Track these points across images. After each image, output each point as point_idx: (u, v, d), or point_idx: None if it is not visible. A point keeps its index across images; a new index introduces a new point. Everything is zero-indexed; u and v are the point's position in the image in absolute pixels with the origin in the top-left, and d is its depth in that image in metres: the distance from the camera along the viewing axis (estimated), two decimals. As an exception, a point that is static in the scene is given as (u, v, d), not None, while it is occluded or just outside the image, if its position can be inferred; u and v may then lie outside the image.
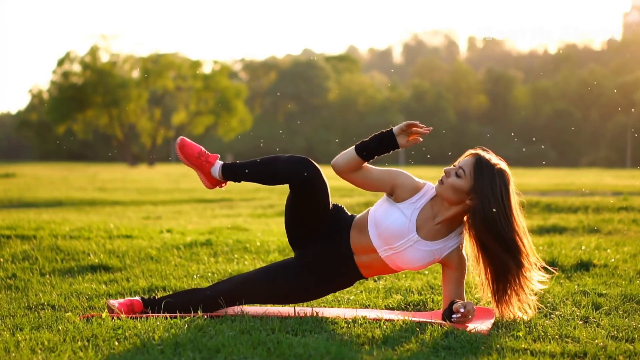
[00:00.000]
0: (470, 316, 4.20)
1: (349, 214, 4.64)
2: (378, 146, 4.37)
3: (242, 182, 4.59)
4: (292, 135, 78.18)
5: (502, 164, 4.31)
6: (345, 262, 4.51)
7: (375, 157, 4.39)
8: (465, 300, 4.40)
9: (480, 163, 4.27)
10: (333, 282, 4.59)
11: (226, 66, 72.09)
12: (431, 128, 4.33)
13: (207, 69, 70.47)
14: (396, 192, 4.42)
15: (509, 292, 4.35)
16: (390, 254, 4.42)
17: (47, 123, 72.16)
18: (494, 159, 4.32)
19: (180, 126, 70.88)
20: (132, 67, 69.83)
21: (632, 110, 70.51)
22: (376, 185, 4.45)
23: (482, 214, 4.22)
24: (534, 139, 69.37)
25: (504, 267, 4.28)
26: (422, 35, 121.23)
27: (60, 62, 67.63)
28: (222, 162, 4.60)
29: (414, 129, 4.34)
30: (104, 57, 68.15)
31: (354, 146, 4.40)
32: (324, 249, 4.52)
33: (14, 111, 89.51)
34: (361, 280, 5.76)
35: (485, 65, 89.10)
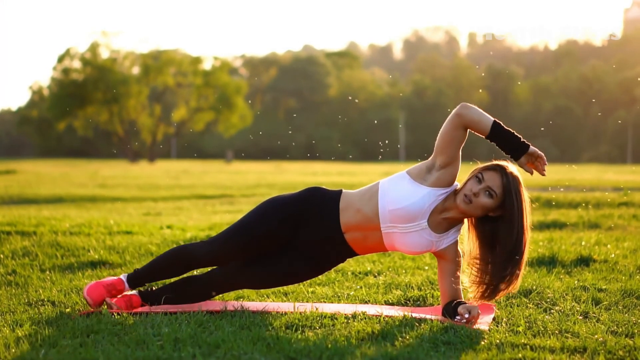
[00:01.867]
0: (474, 320, 4.19)
1: (329, 190, 4.61)
2: (507, 140, 4.32)
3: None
4: (293, 132, 78.16)
5: (517, 173, 4.36)
6: (335, 241, 4.49)
7: (492, 142, 4.33)
8: (463, 298, 4.42)
9: (509, 182, 4.29)
10: (324, 262, 4.60)
11: (226, 62, 72.03)
12: (545, 173, 4.38)
13: (207, 65, 70.47)
14: (442, 171, 4.35)
15: (501, 287, 4.35)
16: (393, 232, 4.39)
17: (47, 119, 72.19)
18: (514, 170, 4.36)
19: (181, 122, 70.90)
20: (133, 64, 69.78)
21: (633, 106, 70.50)
22: (452, 151, 4.33)
23: (510, 226, 4.27)
24: (542, 129, 69.30)
25: (504, 266, 4.29)
26: (422, 31, 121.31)
27: (61, 59, 67.59)
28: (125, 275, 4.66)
29: (538, 163, 4.35)
30: (104, 54, 68.13)
31: (492, 119, 4.31)
32: (312, 235, 4.51)
33: (14, 108, 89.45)
34: (361, 276, 5.76)
35: (485, 61, 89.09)
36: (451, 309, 4.32)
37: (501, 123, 4.31)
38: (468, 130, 4.32)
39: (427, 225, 4.38)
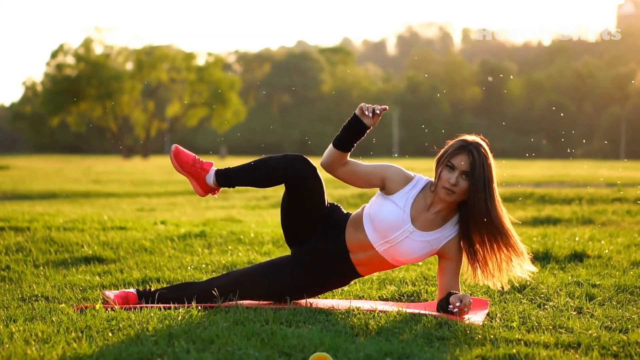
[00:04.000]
0: (466, 309, 4.20)
1: (345, 212, 4.62)
2: (348, 133, 4.36)
3: (237, 187, 4.58)
4: (287, 128, 78.12)
5: (478, 140, 4.35)
6: (341, 260, 4.50)
7: (353, 144, 4.38)
8: (461, 292, 4.42)
9: (478, 157, 4.27)
10: (329, 281, 4.58)
11: (220, 58, 71.96)
12: (386, 107, 4.33)
13: (201, 61, 70.38)
14: (387, 185, 4.42)
15: (492, 264, 4.40)
16: (387, 248, 4.41)
17: (41, 115, 72.04)
18: (475, 139, 4.35)
19: (174, 118, 70.84)
20: (126, 60, 69.69)
21: (627, 101, 70.56)
22: (366, 179, 4.45)
23: (480, 194, 4.27)
24: (533, 130, 69.42)
25: (488, 237, 4.34)
26: (416, 27, 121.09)
27: (54, 55, 67.46)
28: (215, 169, 4.58)
29: (369, 107, 4.34)
30: (97, 50, 68.03)
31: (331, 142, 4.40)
32: (320, 247, 4.51)
33: (7, 103, 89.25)
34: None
35: (479, 57, 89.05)
36: (444, 300, 4.33)
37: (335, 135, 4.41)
38: (345, 158, 4.44)
39: (414, 227, 4.38)
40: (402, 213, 4.37)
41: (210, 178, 4.55)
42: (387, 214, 4.37)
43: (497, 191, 4.33)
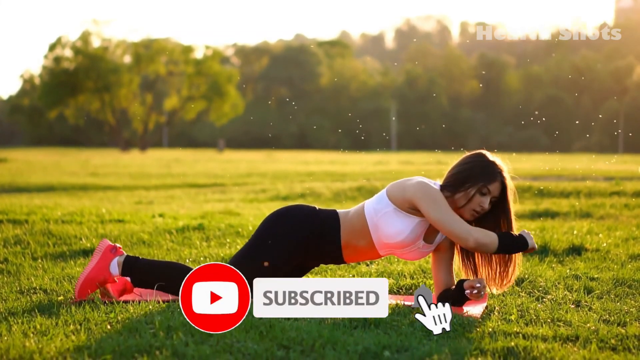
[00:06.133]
0: (483, 291, 4.24)
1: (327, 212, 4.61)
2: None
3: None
4: (285, 121, 78.11)
5: (504, 166, 4.44)
6: (332, 256, 4.54)
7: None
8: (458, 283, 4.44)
9: (506, 185, 4.39)
10: (311, 265, 4.63)
11: (218, 51, 71.89)
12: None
13: (199, 54, 70.30)
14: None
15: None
16: (390, 253, 4.49)
17: (38, 108, 71.97)
18: (504, 167, 4.43)
19: (172, 111, 70.79)
20: (124, 53, 69.62)
21: (625, 95, 70.55)
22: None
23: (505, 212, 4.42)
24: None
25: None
26: (414, 20, 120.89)
27: (52, 47, 67.37)
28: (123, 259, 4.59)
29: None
30: (95, 42, 67.95)
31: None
32: (313, 253, 4.54)
33: (5, 96, 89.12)
34: (353, 265, 5.77)
35: (477, 50, 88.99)
36: (453, 291, 4.34)
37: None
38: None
39: (424, 242, 4.44)
40: (419, 233, 4.42)
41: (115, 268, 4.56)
42: (408, 235, 4.39)
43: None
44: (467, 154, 4.48)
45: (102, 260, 4.51)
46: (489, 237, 4.23)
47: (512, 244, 4.27)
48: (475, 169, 4.36)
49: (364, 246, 4.47)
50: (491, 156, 4.43)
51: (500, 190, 4.36)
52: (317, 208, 4.59)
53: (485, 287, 4.28)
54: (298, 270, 4.55)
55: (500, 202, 4.37)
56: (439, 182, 4.43)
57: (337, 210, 4.57)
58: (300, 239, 4.44)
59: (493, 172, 4.36)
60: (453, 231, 4.22)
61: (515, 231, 4.37)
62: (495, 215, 4.38)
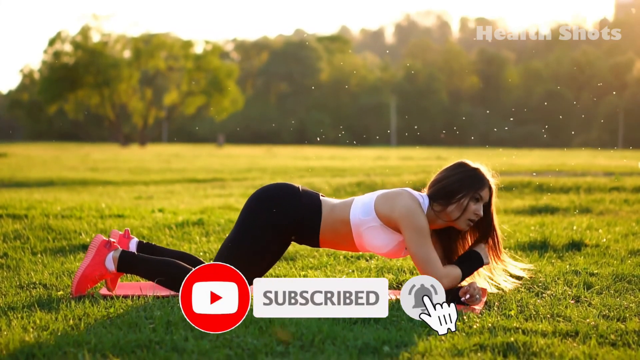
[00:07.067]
0: (477, 296, 4.24)
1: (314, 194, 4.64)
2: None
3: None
4: (284, 116, 78.10)
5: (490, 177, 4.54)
6: (308, 242, 4.61)
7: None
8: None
9: (491, 191, 4.49)
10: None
11: (218, 46, 71.87)
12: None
13: (198, 49, 70.29)
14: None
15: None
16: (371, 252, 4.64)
17: (38, 103, 71.95)
18: (490, 176, 4.52)
19: (172, 106, 70.78)
20: (124, 47, 69.56)
21: (625, 91, 70.53)
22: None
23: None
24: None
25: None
26: (414, 15, 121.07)
27: (52, 42, 67.33)
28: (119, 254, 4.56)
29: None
30: (95, 37, 67.90)
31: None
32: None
33: (5, 91, 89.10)
34: (353, 260, 5.77)
35: (477, 46, 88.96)
36: (452, 294, 4.35)
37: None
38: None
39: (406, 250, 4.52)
40: (402, 249, 4.53)
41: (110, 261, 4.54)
42: (392, 249, 4.51)
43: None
44: (447, 165, 4.54)
45: (97, 256, 4.50)
46: (455, 273, 4.33)
47: (471, 268, 4.40)
48: (465, 179, 4.42)
49: (344, 246, 4.58)
50: (472, 163, 4.52)
51: (489, 195, 4.46)
52: (300, 190, 4.61)
53: (478, 291, 4.26)
54: (278, 253, 4.60)
55: (488, 206, 4.48)
56: (425, 192, 4.46)
57: (321, 199, 4.59)
58: (280, 229, 4.50)
59: (482, 178, 4.45)
60: (427, 271, 4.28)
61: (497, 226, 4.52)
62: (482, 219, 4.47)
